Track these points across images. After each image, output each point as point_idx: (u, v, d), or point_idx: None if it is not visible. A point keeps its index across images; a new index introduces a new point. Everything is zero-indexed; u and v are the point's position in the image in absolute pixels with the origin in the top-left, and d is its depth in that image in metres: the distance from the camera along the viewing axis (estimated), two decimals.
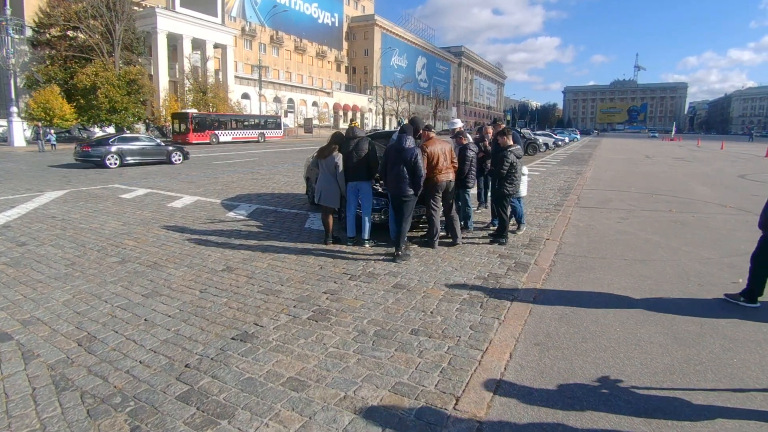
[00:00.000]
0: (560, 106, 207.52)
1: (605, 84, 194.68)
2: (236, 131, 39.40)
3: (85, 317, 4.20)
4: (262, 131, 41.86)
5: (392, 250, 6.18)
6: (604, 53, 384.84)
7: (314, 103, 67.18)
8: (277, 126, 44.70)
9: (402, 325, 4.10)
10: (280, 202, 10.21)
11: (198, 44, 47.86)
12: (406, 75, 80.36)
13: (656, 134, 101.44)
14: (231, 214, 8.87)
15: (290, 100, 63.64)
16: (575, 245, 6.82)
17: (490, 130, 7.62)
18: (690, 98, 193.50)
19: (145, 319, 4.16)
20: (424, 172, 5.93)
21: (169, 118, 38.23)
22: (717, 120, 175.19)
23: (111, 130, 33.46)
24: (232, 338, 3.83)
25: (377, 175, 6.63)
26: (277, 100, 59.39)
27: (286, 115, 57.06)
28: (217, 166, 18.64)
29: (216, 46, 49.90)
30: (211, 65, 47.84)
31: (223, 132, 37.94)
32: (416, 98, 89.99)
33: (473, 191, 8.03)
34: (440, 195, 6.46)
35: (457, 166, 6.64)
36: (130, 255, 6.13)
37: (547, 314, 4.41)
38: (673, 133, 79.07)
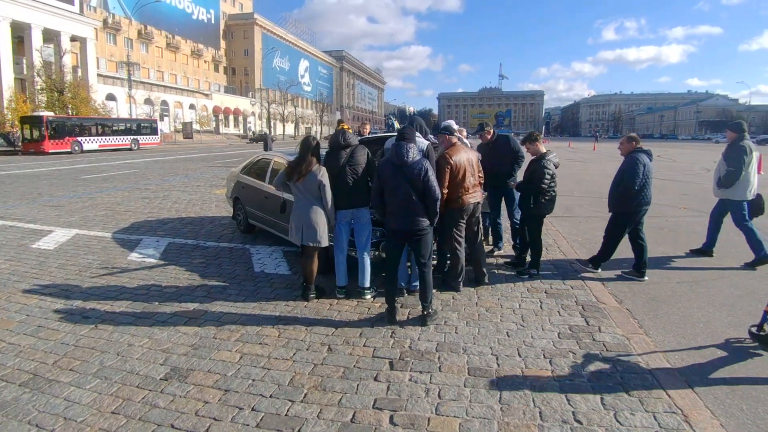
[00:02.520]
0: (435, 111, 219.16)
1: (474, 91, 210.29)
2: (104, 137, 33.31)
3: None
4: (135, 137, 36.01)
5: (400, 300, 4.45)
6: (470, 63, 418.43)
7: (191, 106, 60.65)
8: (153, 131, 38.94)
9: None
10: (199, 232, 7.60)
11: (51, 36, 39.68)
12: (289, 78, 77.06)
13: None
14: (135, 257, 6.13)
15: (164, 102, 56.50)
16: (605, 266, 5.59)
17: (491, 132, 6.05)
18: (545, 105, 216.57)
19: None
20: (439, 192, 4.15)
21: (17, 122, 30.87)
22: (569, 124, 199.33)
23: None
24: None
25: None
26: (149, 101, 52.24)
27: (161, 119, 50.44)
28: (89, 182, 14.65)
29: (73, 39, 41.94)
30: (68, 60, 39.95)
31: (88, 139, 31.71)
32: (301, 102, 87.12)
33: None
34: (465, 222, 4.77)
35: (483, 181, 4.98)
36: None
37: (726, 397, 2.96)
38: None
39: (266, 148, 21.25)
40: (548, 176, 4.95)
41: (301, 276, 4.75)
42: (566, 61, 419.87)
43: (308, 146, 4.45)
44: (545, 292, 4.88)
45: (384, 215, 4.20)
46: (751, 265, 5.65)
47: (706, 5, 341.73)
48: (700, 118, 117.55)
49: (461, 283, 4.85)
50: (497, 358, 3.44)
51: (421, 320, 4.07)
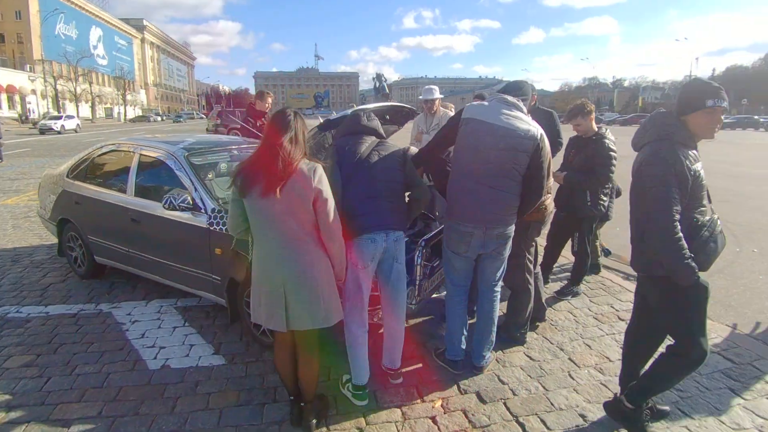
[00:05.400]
0: (252, 91, 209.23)
1: (291, 71, 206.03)
2: None
3: None
4: None
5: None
6: (283, 42, 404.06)
7: None
8: None
9: None
10: (11, 282, 4.28)
11: None
12: (78, 48, 62.83)
13: None
14: None
15: None
16: None
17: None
18: (359, 87, 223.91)
19: None
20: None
21: None
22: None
23: None
24: None
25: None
26: None
27: None
28: None
29: None
30: None
31: None
32: (97, 78, 72.45)
33: None
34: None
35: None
36: None
37: None
38: None
39: None
40: (615, 160, 3.50)
41: (259, 369, 2.45)
42: (374, 46, 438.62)
43: (285, 124, 2.12)
44: (619, 318, 3.52)
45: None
46: None
47: (486, 1, 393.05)
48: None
49: (525, 334, 3.17)
50: None
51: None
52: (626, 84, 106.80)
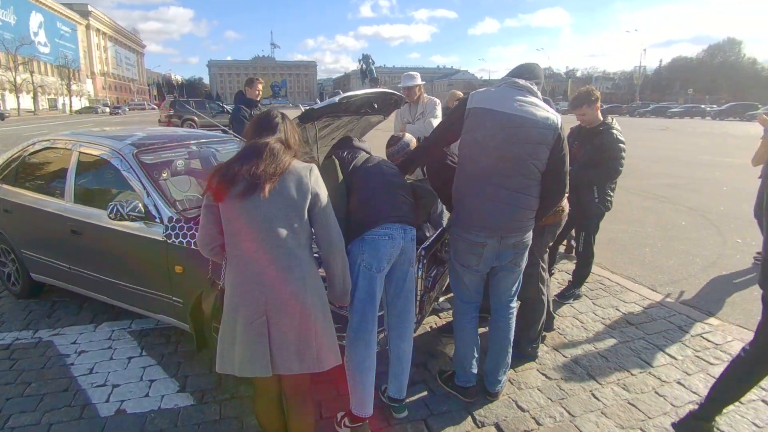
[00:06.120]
0: (206, 80, 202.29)
1: (247, 59, 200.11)
2: None
3: None
4: None
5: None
6: (237, 30, 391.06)
7: None
8: None
9: None
10: None
11: None
12: (17, 35, 58.28)
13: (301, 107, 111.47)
14: None
15: None
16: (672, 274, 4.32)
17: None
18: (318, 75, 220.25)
19: None
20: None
21: None
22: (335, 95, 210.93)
23: None
24: None
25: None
26: None
27: None
28: None
29: None
30: None
31: None
32: (40, 67, 67.63)
33: None
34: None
35: None
36: None
37: None
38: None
39: None
40: (624, 152, 3.20)
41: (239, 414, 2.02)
42: (330, 34, 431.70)
43: (270, 127, 1.71)
44: (628, 322, 3.26)
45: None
46: None
47: None
48: (452, 89, 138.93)
49: (537, 349, 2.84)
50: None
51: None
52: (579, 74, 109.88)
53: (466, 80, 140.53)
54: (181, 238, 2.47)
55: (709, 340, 3.08)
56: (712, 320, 3.38)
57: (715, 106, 49.35)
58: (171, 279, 2.56)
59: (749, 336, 3.16)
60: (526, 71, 2.22)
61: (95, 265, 3.02)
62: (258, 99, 5.03)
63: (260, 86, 5.05)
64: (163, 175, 3.16)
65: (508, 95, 2.11)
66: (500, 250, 2.19)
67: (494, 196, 2.11)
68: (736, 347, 2.99)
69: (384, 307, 2.18)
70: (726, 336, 3.13)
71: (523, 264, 2.32)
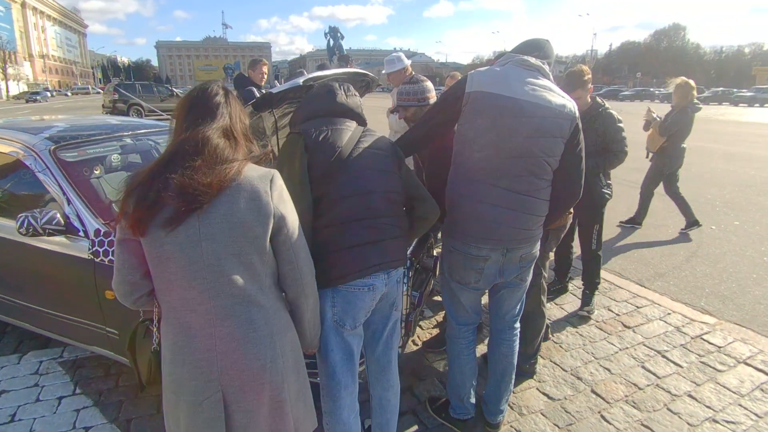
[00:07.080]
0: (154, 62, 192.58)
1: (197, 40, 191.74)
2: None
3: None
4: None
5: None
6: (186, 9, 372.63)
7: None
8: None
9: None
10: None
11: None
12: None
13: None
14: None
15: None
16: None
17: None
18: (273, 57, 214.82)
19: None
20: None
21: None
22: (299, 77, 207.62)
23: None
24: None
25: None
26: None
27: None
28: None
29: None
30: None
31: None
32: None
33: None
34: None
35: None
36: None
37: None
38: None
39: None
40: (625, 133, 2.91)
41: None
42: (284, 15, 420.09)
43: (208, 108, 1.19)
44: (624, 325, 3.02)
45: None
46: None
47: None
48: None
49: (535, 364, 2.54)
50: None
51: None
52: None
53: (423, 63, 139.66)
54: (111, 256, 1.98)
55: (710, 342, 2.89)
56: (707, 318, 3.21)
57: (662, 89, 51.33)
58: (101, 306, 2.07)
59: (749, 336, 3.00)
60: (535, 48, 1.81)
61: (10, 289, 2.47)
62: (263, 83, 4.39)
63: (265, 68, 4.52)
64: (96, 171, 2.64)
65: (517, 77, 1.71)
66: (504, 264, 1.83)
67: (500, 201, 1.74)
68: (739, 349, 2.81)
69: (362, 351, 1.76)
70: (726, 337, 2.96)
71: (530, 278, 1.98)
